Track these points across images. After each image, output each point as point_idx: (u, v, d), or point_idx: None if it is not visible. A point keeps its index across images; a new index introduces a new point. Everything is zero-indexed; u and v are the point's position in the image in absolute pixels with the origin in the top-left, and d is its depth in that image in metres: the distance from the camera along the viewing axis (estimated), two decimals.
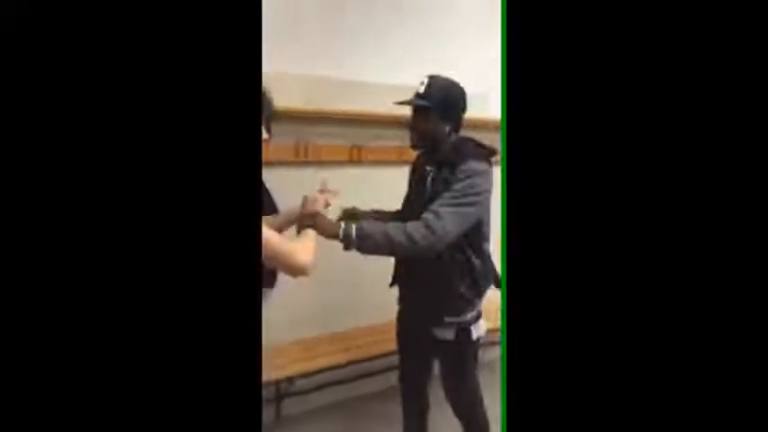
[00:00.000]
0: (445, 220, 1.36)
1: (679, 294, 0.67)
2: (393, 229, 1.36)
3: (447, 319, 1.53)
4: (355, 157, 2.44)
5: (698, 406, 0.67)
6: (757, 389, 0.65)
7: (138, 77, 0.67)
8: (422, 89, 1.51)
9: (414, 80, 1.58)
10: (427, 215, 1.38)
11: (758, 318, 0.65)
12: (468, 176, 1.42)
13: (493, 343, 2.38)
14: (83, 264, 0.65)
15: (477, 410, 1.64)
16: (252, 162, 0.72)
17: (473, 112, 1.64)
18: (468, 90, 1.59)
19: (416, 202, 1.54)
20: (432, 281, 1.52)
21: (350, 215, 1.64)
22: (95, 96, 0.66)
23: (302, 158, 2.31)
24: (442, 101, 1.50)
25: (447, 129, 1.53)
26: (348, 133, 2.43)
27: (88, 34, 0.66)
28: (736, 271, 0.65)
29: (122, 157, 0.66)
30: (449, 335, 1.54)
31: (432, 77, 1.53)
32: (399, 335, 1.76)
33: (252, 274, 0.70)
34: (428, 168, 1.55)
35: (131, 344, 0.66)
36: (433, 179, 1.51)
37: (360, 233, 1.35)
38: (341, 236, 1.36)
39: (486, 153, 1.53)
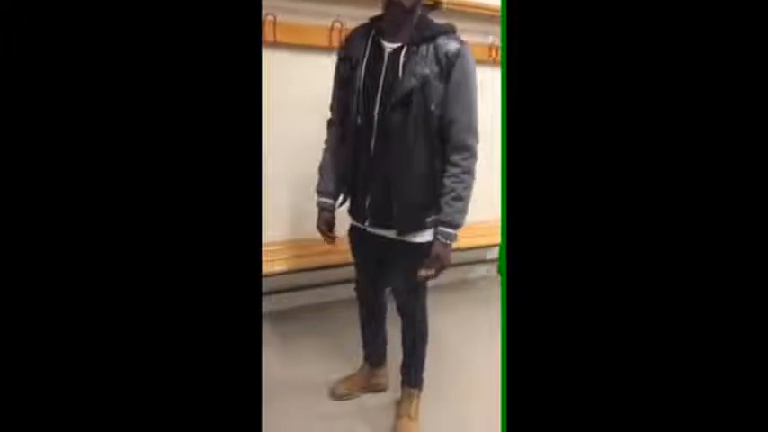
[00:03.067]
0: (471, 135, 1.30)
1: (684, 287, 0.67)
2: (455, 193, 1.31)
3: (428, 220, 1.37)
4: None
5: (697, 399, 0.67)
6: (757, 387, 0.65)
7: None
8: None
9: None
10: (456, 157, 1.29)
11: (758, 314, 0.65)
12: (466, 72, 1.25)
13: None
14: (79, 211, 0.66)
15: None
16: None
17: None
18: None
19: (387, 88, 1.27)
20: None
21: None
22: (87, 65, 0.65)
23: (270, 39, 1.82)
24: None
25: None
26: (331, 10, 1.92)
27: None
28: (734, 258, 0.66)
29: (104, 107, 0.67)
30: (428, 236, 1.39)
31: None
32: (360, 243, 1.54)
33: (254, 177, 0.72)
34: (389, 45, 1.27)
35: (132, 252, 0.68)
36: (405, 62, 1.24)
37: (454, 229, 1.34)
38: (453, 246, 1.37)
39: (452, 28, 1.29)
